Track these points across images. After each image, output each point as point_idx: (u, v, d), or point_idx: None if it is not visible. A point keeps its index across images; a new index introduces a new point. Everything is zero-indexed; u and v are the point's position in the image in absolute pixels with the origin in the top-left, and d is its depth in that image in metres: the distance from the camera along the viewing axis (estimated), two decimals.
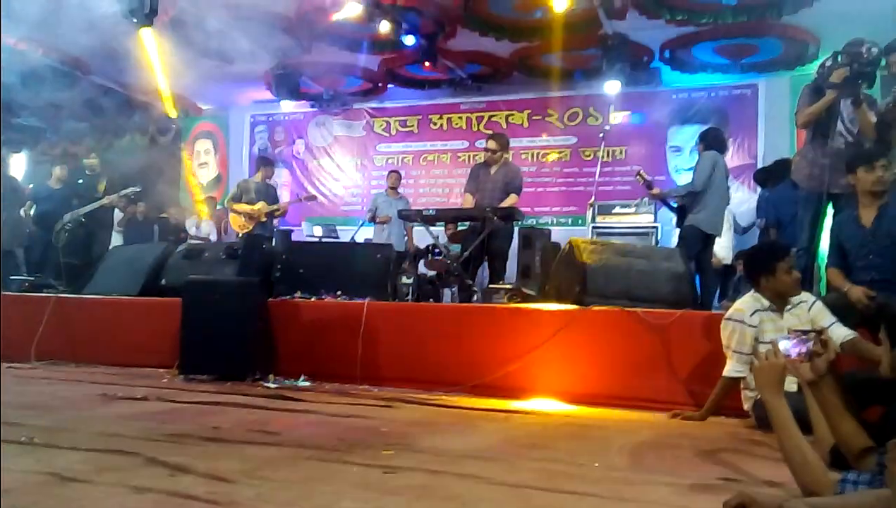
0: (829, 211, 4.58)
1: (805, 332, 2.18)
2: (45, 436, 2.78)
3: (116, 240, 8.94)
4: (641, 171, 6.70)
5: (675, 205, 6.23)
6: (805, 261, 4.53)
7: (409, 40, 8.28)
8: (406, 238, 8.32)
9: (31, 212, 8.24)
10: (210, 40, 7.26)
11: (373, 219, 8.35)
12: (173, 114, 8.80)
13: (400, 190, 8.71)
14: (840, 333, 3.26)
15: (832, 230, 4.09)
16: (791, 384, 2.41)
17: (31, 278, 6.80)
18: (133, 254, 6.43)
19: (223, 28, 7.14)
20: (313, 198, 9.44)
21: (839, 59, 4.32)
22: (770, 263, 3.40)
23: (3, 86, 7.78)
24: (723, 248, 7.30)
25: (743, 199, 8.34)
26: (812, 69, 5.18)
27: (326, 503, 2.02)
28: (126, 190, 8.21)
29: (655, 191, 6.50)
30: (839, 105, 4.43)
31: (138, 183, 8.48)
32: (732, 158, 8.60)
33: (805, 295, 3.48)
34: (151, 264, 5.88)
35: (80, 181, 8.43)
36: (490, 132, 8.10)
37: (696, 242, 5.73)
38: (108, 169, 9.04)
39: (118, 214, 8.96)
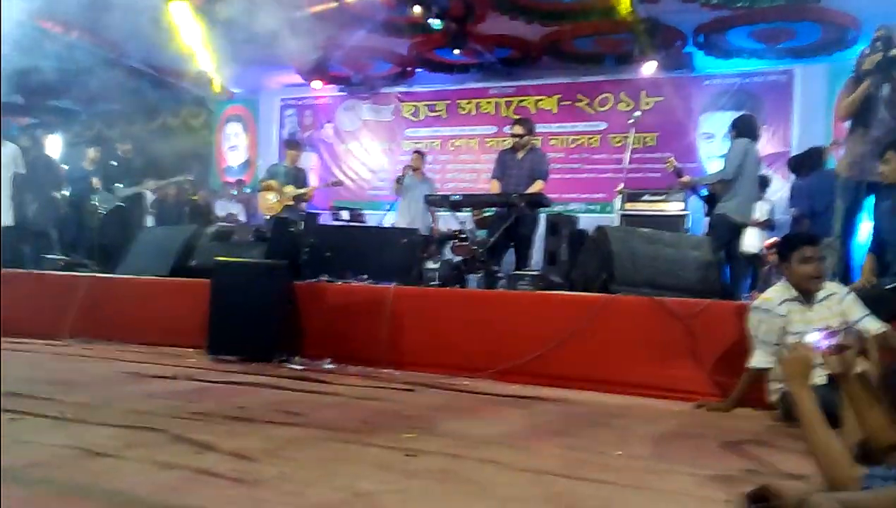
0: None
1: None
2: (76, 412, 2.85)
3: (148, 221, 9.10)
4: (672, 159, 6.61)
5: (705, 194, 6.14)
6: (840, 252, 4.46)
7: (439, 24, 8.23)
8: (431, 220, 8.26)
9: (66, 193, 8.41)
10: (242, 23, 7.29)
11: (400, 180, 8.17)
12: (216, 81, 8.78)
13: (426, 171, 8.58)
14: (872, 326, 3.19)
15: (874, 218, 4.03)
16: (819, 377, 2.37)
17: (66, 257, 6.94)
18: (163, 235, 6.54)
19: (255, 11, 7.17)
20: (339, 183, 9.47)
21: (876, 46, 4.22)
22: (786, 252, 3.36)
23: (39, 68, 7.94)
24: (752, 238, 7.18)
25: (776, 188, 8.18)
26: (852, 55, 5.05)
27: (347, 483, 2.04)
28: (177, 178, 8.40)
29: (685, 179, 6.40)
30: (878, 92, 4.31)
31: (185, 169, 8.65)
32: (766, 146, 8.43)
33: (836, 287, 3.41)
34: (181, 245, 5.97)
35: (114, 163, 8.58)
36: (518, 117, 8.04)
37: (726, 231, 5.64)
38: (141, 153, 9.20)
39: (149, 196, 9.12)
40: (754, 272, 7.44)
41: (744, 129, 5.85)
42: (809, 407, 1.95)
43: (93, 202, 8.01)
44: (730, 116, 7.10)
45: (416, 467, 2.26)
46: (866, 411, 2.03)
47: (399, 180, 8.22)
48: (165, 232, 7.04)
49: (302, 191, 7.84)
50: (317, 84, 10.52)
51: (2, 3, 5.89)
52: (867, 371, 2.13)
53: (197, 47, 8.32)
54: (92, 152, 8.63)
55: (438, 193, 7.56)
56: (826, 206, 5.24)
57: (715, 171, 6.25)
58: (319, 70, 9.89)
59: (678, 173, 6.36)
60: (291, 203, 7.73)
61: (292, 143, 8.44)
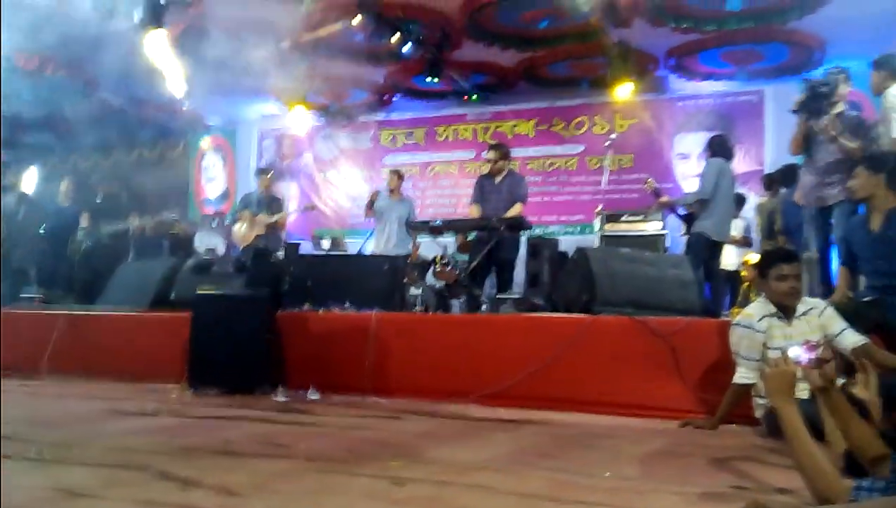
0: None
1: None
2: (55, 452, 2.78)
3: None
4: (651, 180, 6.70)
5: (683, 213, 6.21)
6: (817, 269, 4.57)
7: (415, 52, 8.30)
8: (412, 243, 8.04)
9: (42, 229, 8.31)
10: (219, 54, 7.30)
11: (371, 204, 7.59)
12: (181, 96, 8.49)
13: (404, 191, 8.13)
14: (851, 339, 3.23)
15: (844, 232, 4.14)
16: (802, 391, 2.39)
17: (42, 294, 6.84)
18: (142, 269, 6.47)
19: (232, 42, 7.19)
20: (313, 207, 9.36)
21: (806, 87, 4.77)
22: (763, 269, 3.41)
23: (11, 103, 7.88)
24: (730, 255, 7.26)
25: (752, 205, 8.30)
26: (818, 75, 5.34)
27: None
28: (163, 215, 8.34)
29: (664, 199, 6.49)
30: (813, 127, 4.73)
31: (165, 203, 8.60)
32: (740, 165, 8.56)
33: (815, 302, 3.46)
34: (160, 278, 5.91)
35: (98, 200, 8.52)
36: (492, 142, 8.08)
37: (703, 249, 5.71)
38: (121, 187, 9.14)
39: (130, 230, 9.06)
40: (733, 289, 7.52)
41: (718, 149, 5.96)
42: (794, 421, 1.96)
43: (77, 238, 7.96)
44: (704, 136, 7.24)
45: (404, 495, 2.24)
46: (850, 423, 2.04)
47: (370, 205, 7.61)
48: (144, 265, 6.97)
49: (273, 218, 7.65)
50: (295, 111, 10.49)
51: None
52: (866, 383, 2.14)
53: (173, 78, 8.31)
54: (64, 185, 8.53)
55: (419, 219, 7.51)
56: (798, 224, 5.34)
57: (692, 191, 6.34)
58: (297, 99, 9.90)
59: (657, 193, 6.45)
60: (263, 231, 7.59)
61: (263, 170, 8.37)
